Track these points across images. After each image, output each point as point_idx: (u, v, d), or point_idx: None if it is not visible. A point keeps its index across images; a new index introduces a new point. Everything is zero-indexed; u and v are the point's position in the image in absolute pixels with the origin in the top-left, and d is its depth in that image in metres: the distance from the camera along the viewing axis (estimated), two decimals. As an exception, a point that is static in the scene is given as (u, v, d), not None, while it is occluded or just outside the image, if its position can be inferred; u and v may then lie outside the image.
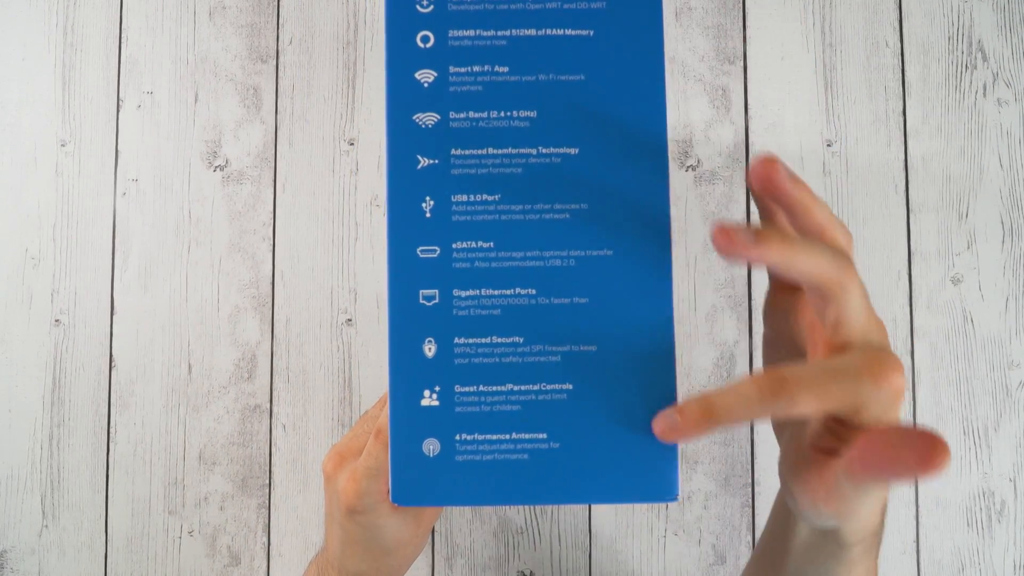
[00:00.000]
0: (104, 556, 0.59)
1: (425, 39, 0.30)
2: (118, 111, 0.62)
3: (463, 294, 0.29)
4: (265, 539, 0.59)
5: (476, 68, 0.30)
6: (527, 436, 0.29)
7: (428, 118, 0.30)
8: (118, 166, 0.62)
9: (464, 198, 0.29)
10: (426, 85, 0.30)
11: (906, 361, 0.59)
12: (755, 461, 0.59)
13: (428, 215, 0.29)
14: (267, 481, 0.59)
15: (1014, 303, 0.58)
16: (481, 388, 0.29)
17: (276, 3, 0.62)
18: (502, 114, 0.30)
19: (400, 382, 0.29)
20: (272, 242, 0.61)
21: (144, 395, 0.60)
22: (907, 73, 0.60)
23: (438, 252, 0.29)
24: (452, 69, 0.30)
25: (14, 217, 0.62)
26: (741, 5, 0.61)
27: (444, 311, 0.29)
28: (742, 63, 0.61)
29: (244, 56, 0.62)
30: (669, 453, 0.28)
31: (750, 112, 0.61)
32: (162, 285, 0.61)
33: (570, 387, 0.29)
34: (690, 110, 0.61)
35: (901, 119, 0.60)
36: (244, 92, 0.62)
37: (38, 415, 0.60)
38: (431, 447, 0.29)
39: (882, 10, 0.60)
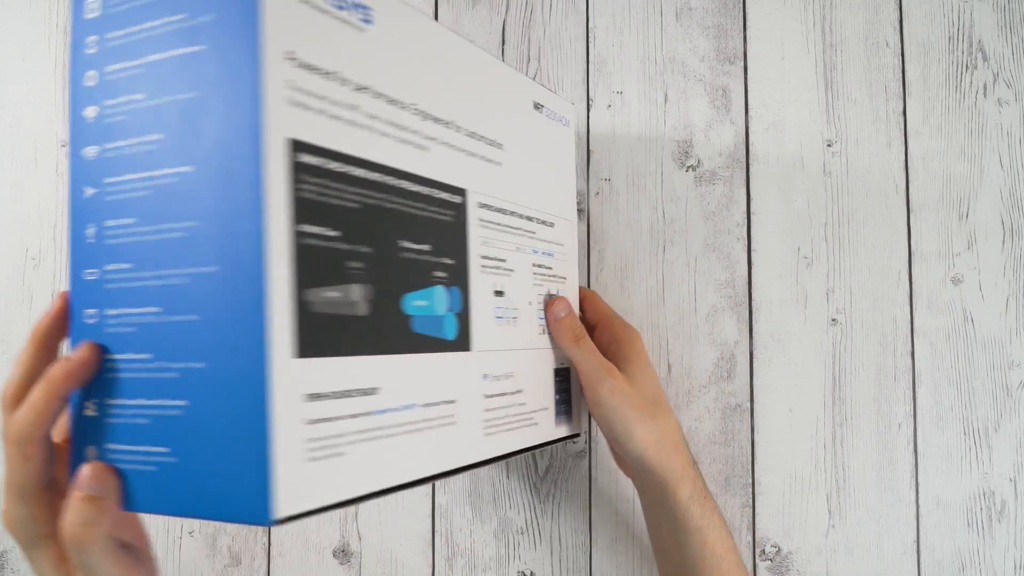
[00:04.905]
0: (104, 556, 0.59)
1: (90, 78, 0.32)
2: (118, 111, 0.62)
3: (112, 313, 0.31)
4: (265, 539, 0.59)
5: (122, 99, 0.31)
6: (154, 449, 0.30)
7: (90, 150, 0.32)
8: (118, 166, 0.61)
9: (114, 223, 0.31)
10: (89, 120, 0.32)
11: (906, 361, 0.59)
12: (755, 461, 0.59)
13: (90, 240, 0.32)
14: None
15: (1014, 303, 0.58)
16: (122, 401, 0.31)
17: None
18: (138, 140, 0.31)
19: (75, 392, 0.32)
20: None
21: (144, 395, 0.60)
22: (907, 73, 0.60)
23: (97, 274, 0.32)
24: (106, 103, 0.32)
25: (14, 217, 0.62)
26: (741, 5, 0.61)
27: (100, 329, 0.31)
28: (742, 63, 0.61)
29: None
30: (261, 475, 0.28)
31: (750, 112, 0.61)
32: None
33: (184, 403, 0.29)
34: (690, 110, 0.61)
35: (901, 119, 0.60)
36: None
37: (38, 415, 0.60)
38: (91, 455, 0.31)
39: (882, 10, 0.60)
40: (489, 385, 0.42)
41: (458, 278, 0.40)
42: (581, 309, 0.54)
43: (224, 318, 0.29)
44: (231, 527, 0.59)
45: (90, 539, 0.30)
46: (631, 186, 0.61)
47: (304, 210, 0.30)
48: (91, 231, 0.32)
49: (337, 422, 0.31)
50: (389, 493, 0.34)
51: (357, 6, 0.34)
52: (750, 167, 0.60)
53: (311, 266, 0.30)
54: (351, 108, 0.33)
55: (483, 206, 0.43)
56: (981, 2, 0.60)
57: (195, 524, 0.59)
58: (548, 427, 0.49)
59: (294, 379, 0.29)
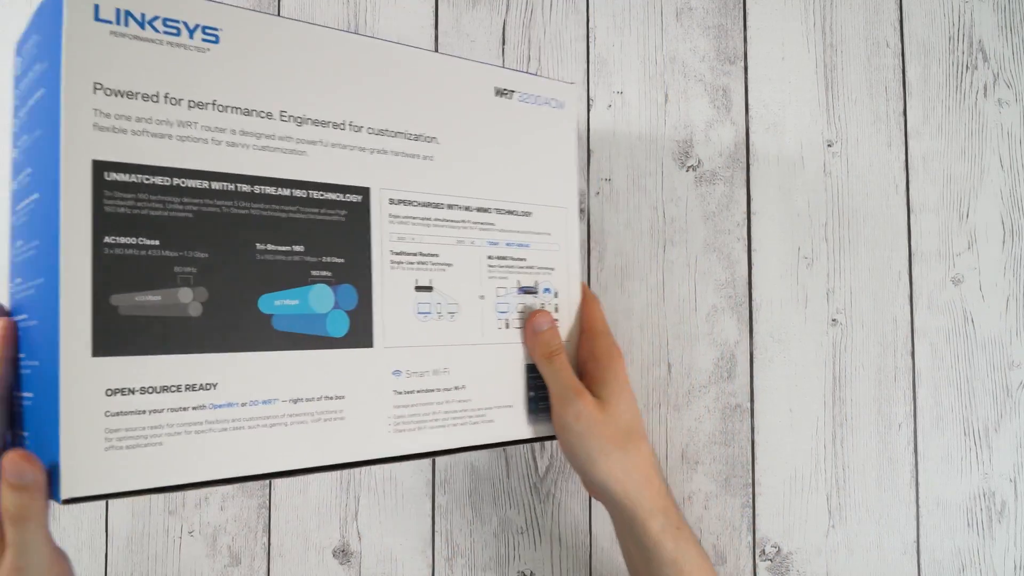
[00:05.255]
0: (104, 556, 0.59)
1: (14, 124, 0.39)
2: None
3: (16, 319, 0.37)
4: (265, 539, 0.59)
5: (23, 139, 0.37)
6: (25, 433, 0.36)
7: (13, 183, 0.38)
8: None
9: (19, 243, 0.37)
10: (12, 158, 0.39)
11: (906, 361, 0.59)
12: (755, 461, 0.59)
13: (12, 258, 0.38)
14: (267, 481, 0.59)
15: (1014, 303, 0.58)
16: (17, 393, 0.36)
17: (277, 4, 0.62)
18: (24, 173, 0.37)
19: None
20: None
21: (144, 395, 0.60)
22: (908, 73, 0.60)
23: (12, 286, 0.38)
24: (17, 143, 0.38)
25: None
26: (742, 5, 0.61)
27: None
28: (743, 63, 0.61)
29: (244, 56, 0.62)
30: (55, 459, 0.32)
31: (751, 112, 0.61)
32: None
33: (32, 395, 0.35)
34: (690, 110, 0.61)
35: (902, 119, 0.60)
36: (244, 92, 0.61)
37: (38, 415, 0.60)
38: (11, 438, 0.37)
39: (883, 10, 0.60)
40: (403, 381, 0.43)
41: (352, 276, 0.41)
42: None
43: (46, 322, 0.33)
44: (231, 527, 0.59)
45: (27, 516, 0.33)
46: (631, 186, 0.61)
47: (110, 223, 0.34)
48: (12, 250, 0.39)
49: (152, 415, 0.34)
50: (237, 482, 0.37)
51: (195, 28, 0.37)
52: (750, 167, 0.60)
53: (120, 274, 0.34)
54: (185, 124, 0.36)
55: (399, 202, 0.43)
56: (981, 2, 0.60)
57: (195, 524, 0.59)
58: (514, 425, 0.47)
59: (91, 375, 0.33)
